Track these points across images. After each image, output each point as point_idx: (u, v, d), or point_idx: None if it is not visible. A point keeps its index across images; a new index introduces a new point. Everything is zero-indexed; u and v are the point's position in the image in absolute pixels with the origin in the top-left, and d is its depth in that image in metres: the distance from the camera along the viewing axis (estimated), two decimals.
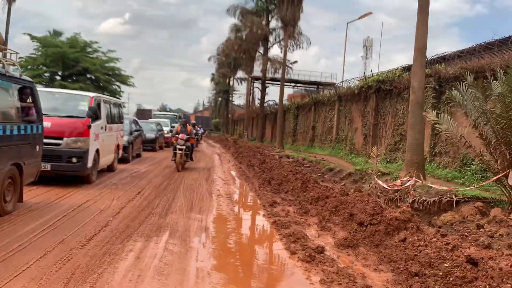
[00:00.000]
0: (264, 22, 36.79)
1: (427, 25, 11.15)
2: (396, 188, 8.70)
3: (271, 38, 37.97)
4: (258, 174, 12.30)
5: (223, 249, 5.35)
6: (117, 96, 54.82)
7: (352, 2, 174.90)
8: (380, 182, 8.85)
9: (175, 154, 13.27)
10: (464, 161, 11.35)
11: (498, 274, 3.68)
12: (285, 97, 47.66)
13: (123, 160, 13.74)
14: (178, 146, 13.10)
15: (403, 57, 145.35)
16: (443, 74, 12.36)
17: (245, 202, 9.17)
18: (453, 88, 8.29)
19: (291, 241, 5.45)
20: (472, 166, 10.93)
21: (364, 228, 5.77)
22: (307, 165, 18.70)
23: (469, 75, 7.80)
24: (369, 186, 9.10)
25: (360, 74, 25.95)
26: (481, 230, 7.03)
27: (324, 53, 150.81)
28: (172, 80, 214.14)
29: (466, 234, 6.53)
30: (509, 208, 7.35)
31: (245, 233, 6.49)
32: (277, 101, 43.00)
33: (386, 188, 8.88)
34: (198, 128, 31.95)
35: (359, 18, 24.89)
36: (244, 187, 10.98)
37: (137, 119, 18.70)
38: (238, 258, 5.08)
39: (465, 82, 7.85)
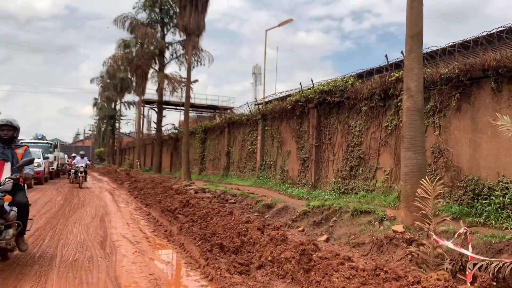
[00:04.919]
0: (159, 35, 32.16)
1: (423, 3, 8.06)
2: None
3: (167, 54, 33.44)
4: (187, 226, 7.75)
5: None
6: None
7: (237, 35, 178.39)
8: (451, 245, 5.01)
9: None
10: (476, 191, 8.27)
11: None
12: (177, 123, 43.03)
13: None
14: None
15: (285, 87, 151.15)
16: (430, 75, 9.36)
17: None
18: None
19: None
20: (493, 198, 7.84)
21: None
22: (232, 200, 14.63)
23: None
24: (420, 248, 5.21)
25: (252, 100, 23.55)
26: None
27: (211, 82, 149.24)
28: (48, 108, 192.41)
29: None
30: None
31: None
32: (176, 125, 38.26)
33: (468, 256, 5.07)
34: (79, 158, 25.25)
35: (279, 26, 22.05)
36: (174, 258, 6.35)
37: None
38: None
39: None
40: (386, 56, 10.85)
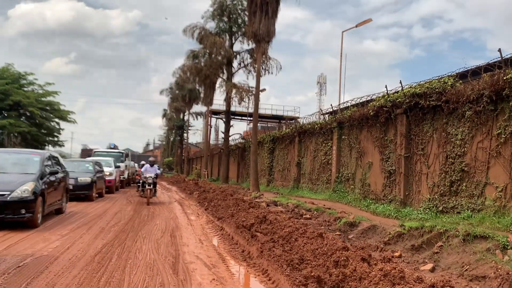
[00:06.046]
0: (227, 44, 31.93)
1: None
2: None
3: (235, 63, 33.11)
4: (268, 247, 6.66)
5: None
6: (56, 133, 47.46)
7: (300, 45, 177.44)
8: None
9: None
10: None
11: None
12: (243, 133, 42.54)
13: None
14: None
15: (349, 96, 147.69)
16: None
17: None
18: None
19: None
20: None
21: None
22: (307, 215, 13.32)
23: None
24: None
25: (316, 110, 21.77)
26: None
27: (274, 92, 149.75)
28: (120, 119, 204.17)
29: None
30: None
31: None
32: (242, 135, 37.84)
33: None
34: (148, 166, 22.30)
35: (356, 26, 20.76)
36: None
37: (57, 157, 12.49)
38: None
39: None
40: (499, 50, 9.11)
